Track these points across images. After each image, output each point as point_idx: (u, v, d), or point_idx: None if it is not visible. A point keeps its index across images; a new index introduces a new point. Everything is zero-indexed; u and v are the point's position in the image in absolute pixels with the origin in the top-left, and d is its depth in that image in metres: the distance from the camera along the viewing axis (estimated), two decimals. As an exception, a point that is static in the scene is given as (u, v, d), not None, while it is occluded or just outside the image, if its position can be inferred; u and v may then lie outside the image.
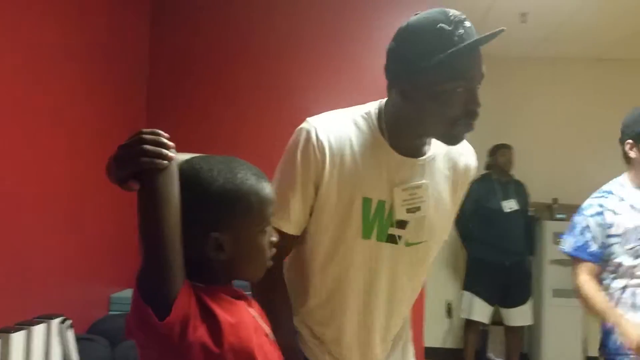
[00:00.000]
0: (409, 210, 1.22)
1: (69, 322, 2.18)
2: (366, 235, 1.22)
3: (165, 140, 0.83)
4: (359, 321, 1.28)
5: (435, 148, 1.28)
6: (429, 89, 1.12)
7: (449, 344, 4.59)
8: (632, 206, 1.99)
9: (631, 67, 4.82)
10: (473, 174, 1.36)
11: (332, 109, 1.29)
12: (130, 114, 3.17)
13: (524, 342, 4.68)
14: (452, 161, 1.30)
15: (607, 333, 1.99)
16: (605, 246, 2.00)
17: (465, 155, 1.34)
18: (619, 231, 1.98)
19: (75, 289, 2.65)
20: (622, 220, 1.98)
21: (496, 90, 3.72)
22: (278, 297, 1.26)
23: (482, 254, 4.28)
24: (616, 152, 5.23)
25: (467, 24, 1.10)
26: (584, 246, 2.03)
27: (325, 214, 1.22)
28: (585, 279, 2.02)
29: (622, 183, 2.07)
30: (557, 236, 4.39)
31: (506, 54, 4.45)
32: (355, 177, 1.20)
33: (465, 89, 1.11)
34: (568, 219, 4.35)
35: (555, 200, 4.46)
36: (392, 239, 1.24)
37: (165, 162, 0.82)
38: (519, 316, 4.42)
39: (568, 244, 2.09)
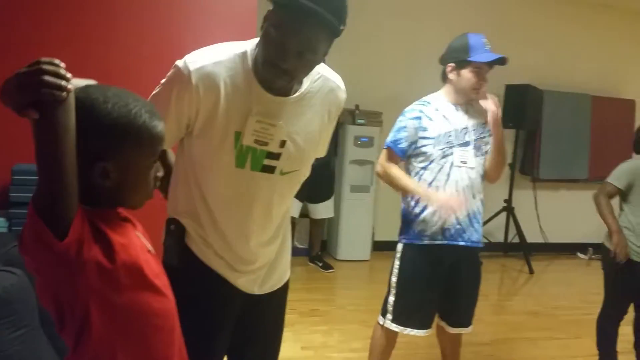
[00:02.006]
0: (256, 141, 1.35)
1: None
2: (239, 164, 1.36)
3: (64, 72, 0.86)
4: (237, 235, 1.43)
5: (310, 85, 1.41)
6: (265, 23, 1.26)
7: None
8: (444, 116, 2.35)
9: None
10: (343, 104, 1.53)
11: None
12: None
13: (325, 231, 5.21)
14: (328, 94, 1.46)
15: (409, 222, 2.40)
16: (416, 146, 2.34)
17: (338, 88, 1.49)
18: (433, 134, 2.33)
19: None
20: (436, 126, 2.33)
21: None
22: None
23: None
24: (411, 69, 6.08)
25: None
26: (398, 141, 2.36)
27: (200, 144, 1.35)
28: (390, 164, 2.38)
29: (438, 97, 2.40)
30: (358, 139, 5.15)
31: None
32: (228, 114, 1.32)
33: (279, 40, 1.23)
34: (367, 124, 5.19)
35: (357, 107, 5.15)
36: (267, 169, 1.39)
37: (65, 93, 0.86)
38: (323, 210, 4.95)
39: (389, 139, 2.39)
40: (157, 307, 1.02)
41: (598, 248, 5.95)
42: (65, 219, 0.87)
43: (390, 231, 5.57)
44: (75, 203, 0.89)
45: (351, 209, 5.13)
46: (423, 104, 2.39)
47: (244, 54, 1.34)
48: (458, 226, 2.37)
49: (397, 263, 2.44)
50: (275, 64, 1.25)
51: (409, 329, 2.43)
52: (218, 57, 1.32)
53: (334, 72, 1.50)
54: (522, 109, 5.43)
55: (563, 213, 6.16)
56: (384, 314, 2.49)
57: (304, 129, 1.42)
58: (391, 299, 2.45)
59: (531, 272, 5.33)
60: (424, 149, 2.34)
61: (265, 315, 1.57)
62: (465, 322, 2.53)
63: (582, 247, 6.13)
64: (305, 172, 1.51)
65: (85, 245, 0.90)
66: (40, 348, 1.65)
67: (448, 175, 2.33)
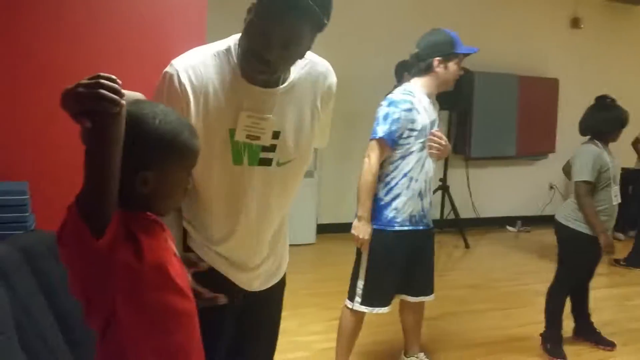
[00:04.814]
0: (248, 137, 1.35)
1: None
2: (237, 161, 1.36)
3: (120, 88, 0.94)
4: (236, 232, 1.44)
5: (296, 73, 1.39)
6: (249, 15, 1.26)
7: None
8: (425, 108, 2.44)
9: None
10: (334, 88, 1.50)
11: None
12: None
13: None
14: (315, 82, 1.44)
15: (380, 208, 2.47)
16: (402, 137, 2.39)
17: (328, 72, 1.47)
18: (418, 127, 2.40)
19: None
20: (420, 119, 2.41)
21: None
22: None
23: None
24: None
25: None
26: (392, 133, 2.37)
27: None
28: (375, 166, 2.39)
29: (416, 88, 2.46)
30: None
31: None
32: (219, 112, 1.32)
33: (263, 30, 1.22)
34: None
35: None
36: (264, 162, 1.39)
37: (118, 108, 0.93)
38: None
39: (382, 130, 2.37)
40: (179, 307, 1.08)
41: (526, 220, 6.40)
42: (104, 220, 0.94)
43: (333, 214, 5.69)
44: (114, 206, 0.95)
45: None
46: (409, 94, 2.42)
47: (228, 50, 1.33)
48: (422, 213, 2.51)
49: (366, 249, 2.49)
50: (258, 55, 1.24)
51: (376, 309, 2.53)
52: (203, 57, 1.32)
53: (322, 58, 1.47)
54: (456, 91, 5.55)
55: (492, 189, 6.48)
56: (351, 298, 2.55)
57: (295, 118, 1.41)
58: (360, 282, 2.52)
59: (467, 246, 5.58)
60: (408, 141, 2.40)
61: (264, 311, 1.57)
62: (428, 291, 2.68)
63: (511, 221, 6.49)
64: (304, 162, 1.48)
65: (117, 245, 0.96)
66: (15, 355, 1.57)
67: (422, 166, 2.44)
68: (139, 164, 1.00)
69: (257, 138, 1.35)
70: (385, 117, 2.40)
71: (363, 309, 2.53)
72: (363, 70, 5.23)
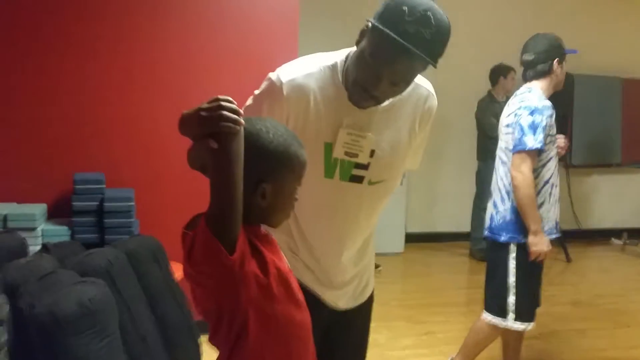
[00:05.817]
0: (346, 153, 1.35)
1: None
2: (328, 175, 1.37)
3: (238, 108, 0.98)
4: (326, 246, 1.44)
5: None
6: (362, 42, 1.26)
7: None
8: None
9: None
10: (434, 112, 1.48)
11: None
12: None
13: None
14: (415, 103, 1.42)
15: (492, 216, 2.48)
16: (546, 143, 2.33)
17: (429, 95, 1.45)
18: (554, 132, 2.38)
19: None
20: (555, 123, 2.39)
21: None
22: None
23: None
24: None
25: (426, 30, 1.17)
26: (542, 142, 2.31)
27: None
28: (531, 178, 2.31)
29: (540, 92, 2.42)
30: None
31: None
32: (318, 125, 1.34)
33: (373, 68, 1.23)
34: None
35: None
36: (356, 179, 1.39)
37: (239, 127, 0.97)
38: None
39: (536, 140, 2.29)
40: (298, 318, 1.11)
41: (633, 233, 5.94)
42: (234, 235, 0.97)
43: (422, 223, 5.59)
44: (240, 221, 0.98)
45: (384, 201, 5.08)
46: (545, 99, 2.37)
47: (334, 66, 1.34)
48: (558, 219, 2.51)
49: (513, 263, 2.41)
50: (365, 89, 1.26)
51: (532, 323, 2.48)
52: (309, 69, 1.34)
53: (424, 79, 1.44)
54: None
55: (596, 199, 6.08)
56: (503, 315, 2.45)
57: (392, 138, 1.39)
58: (512, 299, 2.42)
59: (568, 260, 5.25)
60: (548, 147, 2.35)
61: (351, 329, 1.55)
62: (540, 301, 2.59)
63: (616, 233, 6.04)
64: (393, 184, 1.47)
65: (246, 259, 0.99)
66: (118, 357, 1.66)
67: (558, 171, 2.42)
68: (257, 178, 1.03)
69: (355, 155, 1.35)
70: (532, 126, 2.30)
71: (519, 326, 2.43)
72: (452, 76, 5.10)
